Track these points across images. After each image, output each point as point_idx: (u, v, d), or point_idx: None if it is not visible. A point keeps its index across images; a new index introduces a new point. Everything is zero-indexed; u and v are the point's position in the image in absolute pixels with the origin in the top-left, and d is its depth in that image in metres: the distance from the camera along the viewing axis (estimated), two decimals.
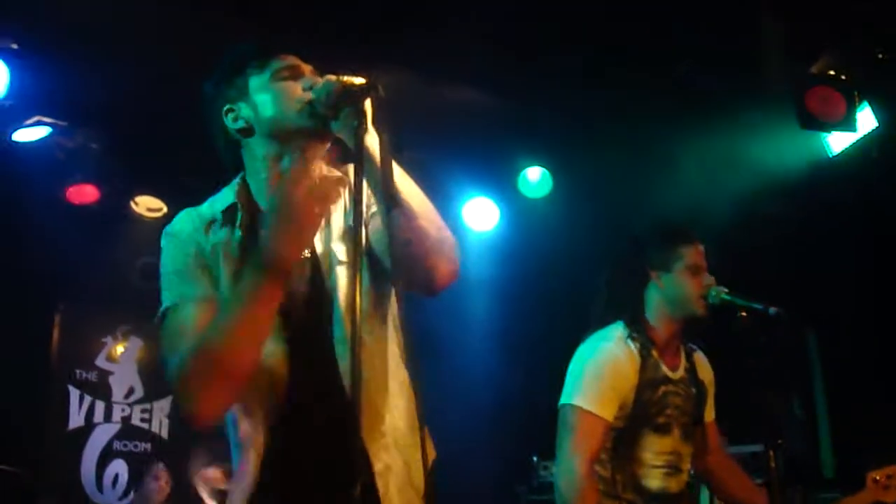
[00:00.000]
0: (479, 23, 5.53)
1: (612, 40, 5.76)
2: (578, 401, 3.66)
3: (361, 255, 2.18)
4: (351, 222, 2.39)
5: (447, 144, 6.33)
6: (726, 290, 3.78)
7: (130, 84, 6.06)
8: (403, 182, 2.36)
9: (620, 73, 5.99)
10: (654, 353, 3.80)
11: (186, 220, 2.56)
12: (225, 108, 2.55)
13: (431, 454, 2.57)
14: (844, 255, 6.63)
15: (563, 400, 3.74)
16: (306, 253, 2.47)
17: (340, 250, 2.50)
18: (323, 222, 2.46)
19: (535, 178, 7.35)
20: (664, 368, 3.80)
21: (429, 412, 2.11)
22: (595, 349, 3.79)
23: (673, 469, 3.76)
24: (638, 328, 3.82)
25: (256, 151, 2.53)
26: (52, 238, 7.34)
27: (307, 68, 2.55)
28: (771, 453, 3.58)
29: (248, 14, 5.43)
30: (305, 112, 2.39)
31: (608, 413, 3.64)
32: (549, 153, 7.32)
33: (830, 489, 6.09)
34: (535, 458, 7.15)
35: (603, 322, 3.90)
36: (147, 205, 7.54)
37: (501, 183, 7.57)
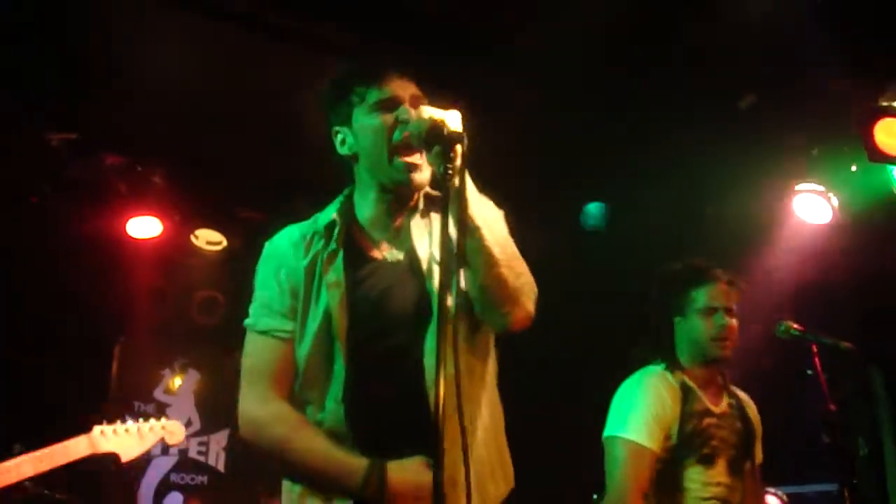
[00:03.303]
0: (542, 61, 5.52)
1: (673, 74, 5.72)
2: (624, 433, 3.66)
3: (451, 285, 2.22)
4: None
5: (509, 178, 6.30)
6: (796, 326, 3.73)
7: (192, 118, 6.13)
8: (489, 226, 2.39)
9: (682, 107, 5.94)
10: (695, 387, 3.78)
11: (285, 236, 2.66)
12: (333, 130, 2.65)
13: (509, 484, 2.63)
14: None
15: (608, 432, 3.74)
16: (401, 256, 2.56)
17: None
18: (427, 231, 2.57)
19: (594, 211, 7.32)
20: (706, 402, 3.78)
21: None
22: (637, 383, 3.81)
23: (722, 503, 3.68)
24: (674, 368, 3.82)
25: (363, 176, 2.63)
26: (113, 271, 7.41)
27: (407, 94, 2.58)
28: (845, 492, 3.50)
29: (314, 43, 5.46)
30: (396, 165, 2.49)
31: (654, 443, 3.62)
32: (608, 187, 7.27)
33: None
34: (595, 496, 7.03)
35: (643, 363, 3.91)
36: (207, 238, 7.57)
37: (563, 215, 7.54)
